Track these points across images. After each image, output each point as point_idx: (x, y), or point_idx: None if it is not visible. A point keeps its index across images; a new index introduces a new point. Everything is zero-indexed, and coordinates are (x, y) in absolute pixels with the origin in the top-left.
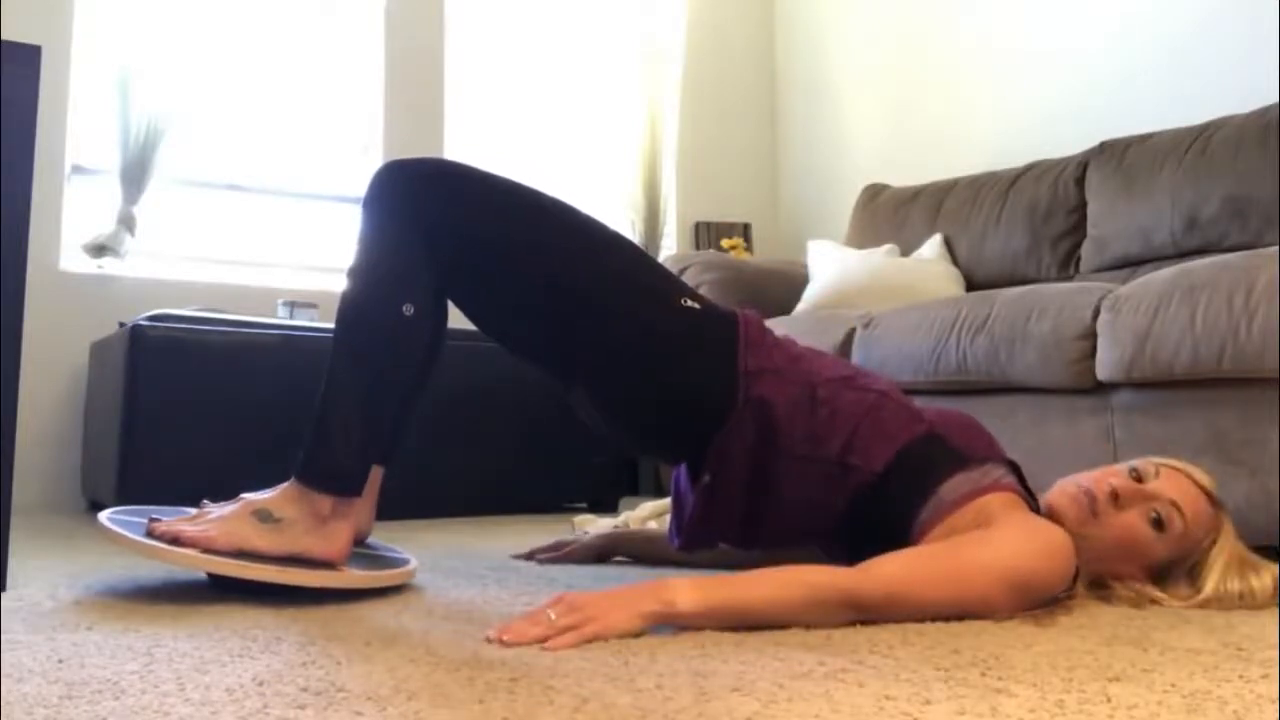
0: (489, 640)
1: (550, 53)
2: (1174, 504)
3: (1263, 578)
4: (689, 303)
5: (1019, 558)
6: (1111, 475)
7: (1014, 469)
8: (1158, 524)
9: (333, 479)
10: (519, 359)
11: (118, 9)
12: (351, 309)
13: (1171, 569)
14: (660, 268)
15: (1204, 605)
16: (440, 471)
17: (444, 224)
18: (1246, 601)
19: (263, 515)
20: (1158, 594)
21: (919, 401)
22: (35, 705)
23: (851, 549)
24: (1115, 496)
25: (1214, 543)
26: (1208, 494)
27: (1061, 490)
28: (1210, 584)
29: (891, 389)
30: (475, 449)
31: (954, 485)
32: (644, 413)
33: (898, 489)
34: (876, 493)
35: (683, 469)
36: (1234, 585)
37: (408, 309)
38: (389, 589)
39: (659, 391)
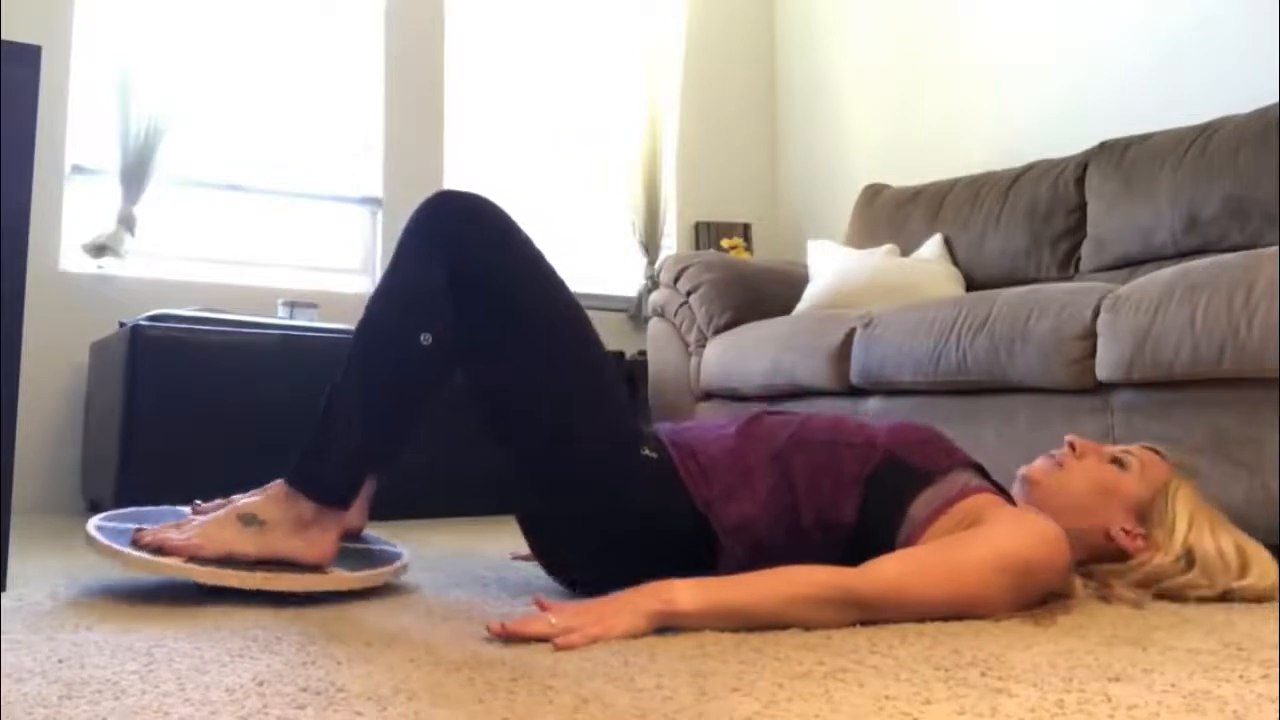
0: (488, 630)
1: (550, 53)
2: (1125, 450)
3: (1251, 558)
4: (647, 452)
5: (1013, 545)
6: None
7: (979, 471)
8: (1117, 463)
9: (322, 489)
10: (487, 429)
11: (118, 9)
12: (370, 329)
13: (1149, 513)
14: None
15: (1189, 562)
16: (440, 471)
17: (474, 263)
18: (1232, 570)
19: (247, 519)
20: (1150, 560)
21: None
22: (35, 705)
23: None
24: (1072, 446)
25: (1172, 487)
26: (1154, 450)
27: (1027, 475)
28: (1181, 529)
29: (837, 429)
30: (475, 449)
31: (923, 502)
32: (625, 568)
33: (871, 523)
34: (856, 536)
35: None
36: (1208, 542)
37: (425, 339)
38: (388, 587)
39: (640, 552)
